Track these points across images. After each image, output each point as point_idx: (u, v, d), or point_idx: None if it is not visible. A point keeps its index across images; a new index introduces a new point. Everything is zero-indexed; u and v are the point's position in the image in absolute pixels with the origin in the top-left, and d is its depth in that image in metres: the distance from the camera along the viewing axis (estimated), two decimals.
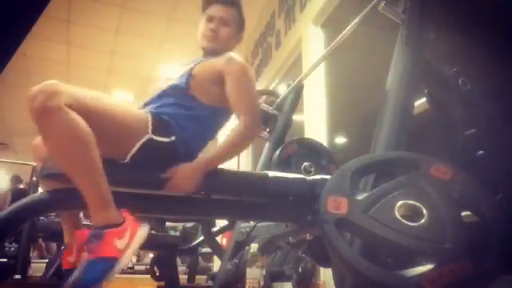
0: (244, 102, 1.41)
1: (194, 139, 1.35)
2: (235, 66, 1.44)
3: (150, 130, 1.29)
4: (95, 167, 1.13)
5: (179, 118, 1.37)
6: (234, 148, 1.37)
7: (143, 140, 1.27)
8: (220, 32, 1.58)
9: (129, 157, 1.26)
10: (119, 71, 5.77)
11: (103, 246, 1.10)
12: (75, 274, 1.09)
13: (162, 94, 1.45)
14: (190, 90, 1.44)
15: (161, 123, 1.33)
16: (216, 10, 1.59)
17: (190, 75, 1.46)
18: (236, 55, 1.50)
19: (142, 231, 1.19)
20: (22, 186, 4.83)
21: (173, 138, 1.33)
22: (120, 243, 1.12)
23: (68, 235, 1.47)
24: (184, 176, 1.26)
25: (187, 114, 1.39)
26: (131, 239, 1.15)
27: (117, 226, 1.13)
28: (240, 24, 1.65)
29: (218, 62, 1.48)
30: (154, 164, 1.28)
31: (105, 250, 1.10)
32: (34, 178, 3.42)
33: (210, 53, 1.56)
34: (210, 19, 1.59)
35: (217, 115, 1.44)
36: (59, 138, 1.10)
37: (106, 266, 1.09)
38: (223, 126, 1.56)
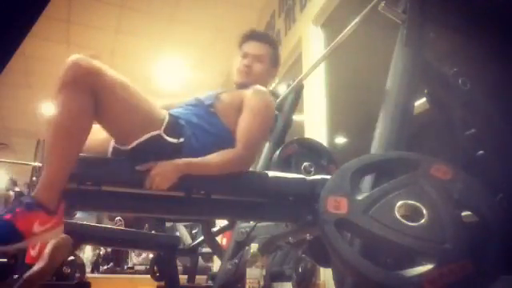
0: (250, 133, 1.44)
1: (202, 151, 1.35)
2: (257, 100, 1.51)
3: (162, 128, 1.31)
4: (71, 157, 1.15)
5: (196, 128, 1.40)
6: (218, 164, 1.34)
7: (152, 134, 1.29)
8: (254, 67, 1.65)
9: (132, 144, 1.27)
10: (119, 71, 5.74)
11: (24, 217, 1.06)
12: None
13: (190, 104, 1.52)
14: (214, 109, 1.49)
15: (175, 125, 1.35)
16: (251, 47, 1.68)
17: (217, 97, 1.53)
18: (263, 90, 1.57)
19: (61, 237, 1.12)
20: (17, 189, 4.84)
21: (181, 139, 1.35)
22: (37, 228, 1.08)
23: None
24: (160, 173, 1.25)
25: (205, 127, 1.43)
26: (47, 232, 1.11)
27: (47, 211, 1.10)
28: (274, 60, 1.73)
29: (244, 92, 1.55)
30: (152, 160, 1.27)
31: (21, 221, 1.06)
32: (34, 178, 3.41)
33: (242, 87, 1.62)
34: (245, 55, 1.67)
35: (231, 138, 1.45)
36: (62, 113, 1.13)
37: (9, 233, 1.04)
38: None
